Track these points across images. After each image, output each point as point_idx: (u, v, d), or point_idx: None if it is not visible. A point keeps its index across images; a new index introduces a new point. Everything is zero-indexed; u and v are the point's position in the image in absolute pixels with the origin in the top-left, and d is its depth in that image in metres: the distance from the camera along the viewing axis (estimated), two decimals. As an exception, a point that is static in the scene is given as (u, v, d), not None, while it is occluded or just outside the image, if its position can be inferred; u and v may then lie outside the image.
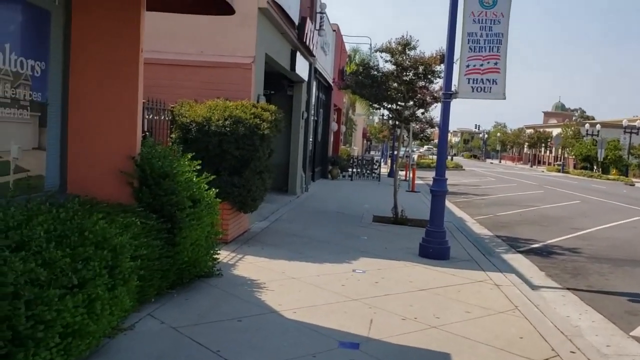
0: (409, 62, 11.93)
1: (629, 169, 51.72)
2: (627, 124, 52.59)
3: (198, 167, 6.46)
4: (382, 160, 43.92)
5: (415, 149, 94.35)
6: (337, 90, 27.31)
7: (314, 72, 18.64)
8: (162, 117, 8.56)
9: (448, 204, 20.02)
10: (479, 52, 8.66)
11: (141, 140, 6.00)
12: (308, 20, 14.08)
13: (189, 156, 6.50)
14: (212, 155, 8.53)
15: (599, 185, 36.70)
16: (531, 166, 76.55)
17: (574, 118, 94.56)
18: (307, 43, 14.75)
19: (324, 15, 18.15)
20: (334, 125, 27.75)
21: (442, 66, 11.94)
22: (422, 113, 13.21)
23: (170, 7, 6.14)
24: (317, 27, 17.93)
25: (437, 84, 12.40)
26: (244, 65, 10.02)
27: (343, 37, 29.62)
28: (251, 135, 8.40)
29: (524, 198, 23.30)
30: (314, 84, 20.98)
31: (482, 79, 8.67)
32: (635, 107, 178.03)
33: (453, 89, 8.82)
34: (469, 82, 8.71)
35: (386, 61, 12.17)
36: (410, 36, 11.81)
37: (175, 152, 6.39)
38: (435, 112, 35.57)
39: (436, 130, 32.18)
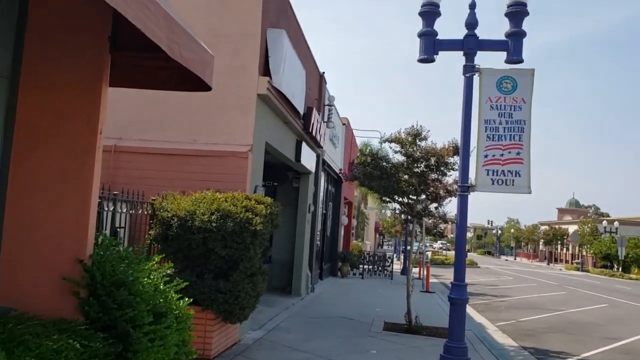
0: (419, 153, 11.08)
1: (652, 268, 49.58)
2: (647, 221, 51.01)
3: (169, 271, 5.37)
4: (395, 256, 42.50)
5: (428, 244, 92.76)
6: (347, 183, 26.61)
7: (321, 163, 17.91)
8: (141, 211, 7.59)
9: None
10: (499, 140, 7.74)
11: (99, 239, 4.97)
12: (314, 110, 13.46)
13: (158, 258, 5.44)
14: (196, 254, 7.48)
15: (623, 286, 34.74)
16: (548, 264, 74.23)
17: (589, 215, 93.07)
18: (314, 134, 14.06)
19: (333, 107, 17.66)
20: (344, 219, 26.74)
21: (456, 158, 11.12)
22: (436, 207, 12.18)
23: (139, 84, 5.32)
24: (325, 119, 17.39)
25: (451, 177, 11.50)
26: (239, 154, 9.17)
27: (353, 131, 29.33)
28: (241, 231, 7.36)
29: (546, 300, 21.66)
30: (322, 176, 20.21)
31: (502, 171, 7.68)
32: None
33: (470, 181, 7.82)
34: (488, 174, 7.72)
35: (396, 152, 11.34)
36: (421, 126, 11.06)
37: (139, 252, 5.32)
38: (449, 206, 34.37)
39: (449, 225, 31.04)
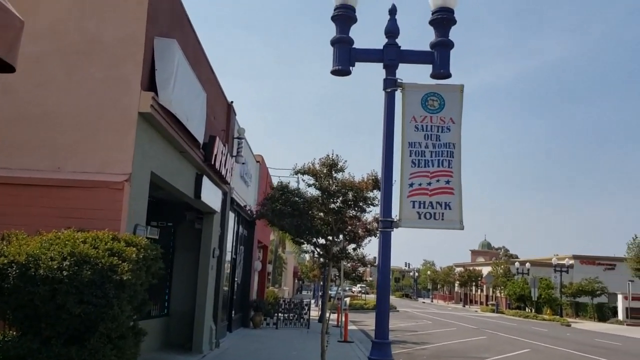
0: (335, 186, 9.78)
1: (562, 308, 50.74)
2: (557, 262, 52.51)
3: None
4: (313, 302, 40.84)
5: (347, 288, 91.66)
6: (262, 225, 24.93)
7: (230, 202, 16.26)
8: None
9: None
10: (425, 167, 6.53)
11: None
12: (218, 141, 11.92)
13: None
14: (42, 313, 5.64)
15: (539, 328, 34.79)
16: (464, 306, 74.97)
17: (499, 256, 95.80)
18: (218, 167, 12.47)
19: (243, 140, 16.18)
20: (257, 265, 24.95)
21: (377, 192, 9.92)
22: (354, 249, 10.84)
23: None
24: (234, 153, 15.86)
25: (371, 214, 10.26)
26: (112, 184, 7.44)
27: (271, 170, 27.88)
28: (102, 282, 5.62)
29: (468, 347, 20.72)
30: (232, 217, 18.50)
31: (430, 203, 6.44)
32: (550, 248, 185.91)
33: (394, 216, 6.52)
34: (413, 207, 6.45)
35: (309, 185, 9.98)
36: (337, 155, 9.80)
37: None
38: (369, 247, 33.25)
39: (368, 268, 29.89)
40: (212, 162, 11.83)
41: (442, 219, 6.42)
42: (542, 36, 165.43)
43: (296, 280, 74.36)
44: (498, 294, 66.85)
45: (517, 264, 62.13)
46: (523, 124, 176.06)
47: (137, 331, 6.75)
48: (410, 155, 6.56)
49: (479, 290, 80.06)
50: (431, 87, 6.72)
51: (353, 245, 10.90)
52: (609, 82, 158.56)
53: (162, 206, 11.88)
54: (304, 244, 11.08)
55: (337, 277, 26.34)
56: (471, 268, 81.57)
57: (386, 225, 6.45)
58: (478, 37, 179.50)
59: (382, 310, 6.50)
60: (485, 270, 73.17)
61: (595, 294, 50.55)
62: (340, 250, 10.58)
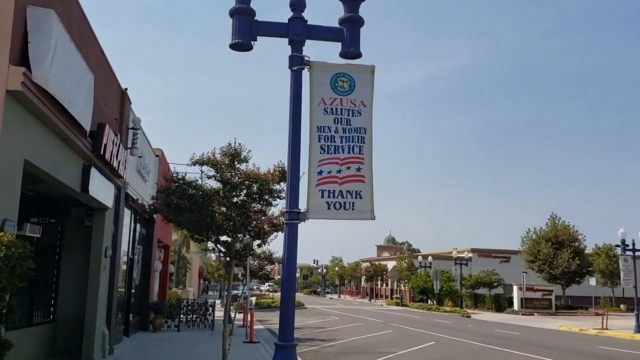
0: (239, 178, 9.06)
1: (462, 300, 52.75)
2: (457, 256, 54.52)
3: None
4: (219, 302, 39.63)
5: (255, 287, 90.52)
6: (163, 224, 23.59)
7: (125, 198, 15.06)
8: None
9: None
10: (335, 153, 6.01)
11: None
12: (107, 129, 10.82)
13: None
14: None
15: (442, 320, 35.76)
16: (370, 300, 76.33)
17: (403, 251, 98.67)
18: (109, 159, 11.37)
19: (139, 131, 15.02)
20: (157, 265, 23.61)
21: (284, 185, 9.32)
22: (259, 245, 10.17)
23: None
24: (129, 145, 14.68)
25: (278, 207, 9.65)
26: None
27: (171, 165, 26.47)
28: (-52, 288, 4.61)
29: (375, 342, 20.67)
30: (127, 214, 17.21)
31: (341, 192, 5.93)
32: (450, 242, 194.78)
33: (301, 207, 5.95)
34: (322, 196, 5.91)
35: (209, 177, 9.20)
36: (240, 144, 9.06)
37: None
38: (275, 243, 32.52)
39: (276, 266, 29.33)
40: (102, 153, 10.73)
41: (353, 209, 5.93)
42: (449, 39, 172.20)
43: (202, 281, 72.47)
44: (402, 288, 68.58)
45: (420, 257, 63.94)
46: (427, 123, 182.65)
47: (3, 343, 5.72)
48: (319, 141, 6.01)
49: (385, 285, 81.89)
50: (341, 67, 6.21)
51: (258, 242, 10.22)
52: (513, 85, 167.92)
53: (46, 201, 10.64)
54: (204, 241, 10.27)
55: (243, 277, 25.53)
56: (377, 263, 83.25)
57: (293, 217, 5.87)
58: (385, 38, 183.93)
59: (287, 311, 5.90)
60: (391, 264, 74.93)
61: (492, 286, 52.97)
62: (244, 248, 9.88)
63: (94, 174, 10.99)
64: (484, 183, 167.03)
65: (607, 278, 50.84)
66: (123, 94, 14.30)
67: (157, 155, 21.86)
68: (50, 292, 13.17)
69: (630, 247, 30.43)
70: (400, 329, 26.93)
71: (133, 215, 18.38)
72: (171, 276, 41.44)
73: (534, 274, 52.35)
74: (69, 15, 9.12)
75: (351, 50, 6.16)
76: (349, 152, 6.00)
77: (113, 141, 11.53)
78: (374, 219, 5.97)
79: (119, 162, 12.45)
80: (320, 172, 5.94)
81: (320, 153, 5.98)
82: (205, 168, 9.09)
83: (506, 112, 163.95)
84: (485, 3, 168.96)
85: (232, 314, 25.53)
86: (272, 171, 9.21)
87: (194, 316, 23.32)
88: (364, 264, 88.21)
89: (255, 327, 19.97)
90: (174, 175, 9.17)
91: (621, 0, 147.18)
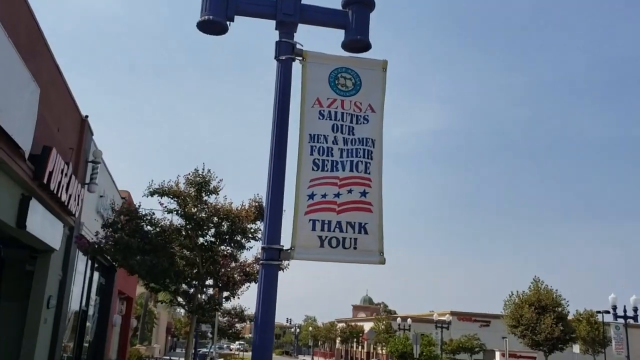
0: (205, 214, 7.42)
1: (443, 365, 50.36)
2: (438, 319, 52.43)
3: None
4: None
5: (225, 345, 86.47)
6: (124, 274, 21.55)
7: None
8: None
9: None
10: (333, 170, 4.45)
11: None
12: (54, 153, 9.15)
13: None
14: None
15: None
16: (345, 363, 73.07)
17: (380, 312, 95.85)
18: (56, 191, 9.65)
19: (99, 166, 13.33)
20: (116, 319, 21.35)
21: (260, 224, 7.70)
22: (227, 298, 8.39)
23: None
24: (88, 180, 12.97)
25: (252, 251, 7.97)
26: None
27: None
28: None
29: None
30: (83, 260, 15.27)
31: (339, 223, 4.34)
32: (427, 304, 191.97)
33: (284, 243, 4.33)
34: (314, 228, 4.31)
35: (169, 212, 7.53)
36: (209, 171, 7.46)
37: None
38: (247, 296, 30.41)
39: (248, 324, 27.15)
40: (45, 182, 9.03)
41: (355, 248, 4.32)
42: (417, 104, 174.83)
43: (170, 337, 68.83)
44: (380, 351, 65.81)
45: (399, 319, 61.56)
46: (403, 184, 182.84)
47: None
48: (312, 154, 4.46)
49: (361, 347, 78.83)
50: (343, 61, 4.73)
51: (227, 294, 8.45)
52: (481, 150, 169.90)
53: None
54: (160, 291, 8.48)
55: (211, 335, 23.39)
56: (353, 324, 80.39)
57: (271, 255, 4.23)
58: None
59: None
60: (367, 325, 72.20)
61: (474, 351, 50.80)
62: (208, 300, 8.12)
63: (35, 207, 9.25)
64: (461, 244, 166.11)
65: (589, 346, 49.08)
66: (83, 122, 12.71)
67: (123, 198, 20.04)
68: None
69: (622, 314, 28.93)
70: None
71: (90, 262, 16.42)
72: (135, 331, 38.74)
73: (516, 340, 50.36)
74: (15, 14, 7.65)
75: (357, 38, 4.71)
76: (351, 170, 4.45)
77: (62, 170, 9.85)
78: (384, 262, 4.36)
79: (70, 196, 10.71)
80: (311, 196, 4.37)
81: (313, 170, 4.43)
82: (165, 200, 7.45)
83: (477, 174, 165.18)
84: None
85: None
86: (247, 207, 7.61)
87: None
88: (340, 325, 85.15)
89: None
90: (124, 207, 7.47)
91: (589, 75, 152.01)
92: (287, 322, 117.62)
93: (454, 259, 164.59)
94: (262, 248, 4.29)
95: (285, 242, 4.33)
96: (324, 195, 4.37)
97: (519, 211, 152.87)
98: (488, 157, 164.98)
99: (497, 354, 46.26)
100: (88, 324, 17.40)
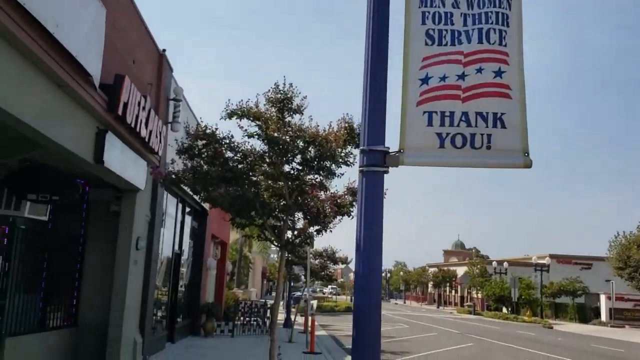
0: (290, 137, 6.47)
1: (543, 309, 48.30)
2: (537, 262, 50.06)
3: None
4: (282, 304, 37.44)
5: (318, 289, 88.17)
6: (218, 218, 21.49)
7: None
8: None
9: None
10: (454, 43, 3.28)
11: None
12: (128, 82, 8.47)
13: None
14: None
15: (523, 331, 32.00)
16: (438, 307, 72.39)
17: (475, 257, 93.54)
18: (135, 125, 9.07)
19: (181, 103, 12.76)
20: (211, 263, 21.44)
21: (352, 148, 6.67)
22: (318, 232, 7.47)
23: None
24: (170, 119, 12.46)
25: (343, 180, 7.01)
26: None
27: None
28: None
29: (457, 358, 17.63)
30: (173, 202, 15.08)
31: (465, 115, 3.20)
32: (520, 248, 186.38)
33: (388, 144, 3.25)
34: (430, 122, 3.20)
35: (250, 136, 6.64)
36: (291, 86, 6.45)
37: None
38: (338, 235, 29.99)
39: (340, 267, 26.63)
40: (121, 114, 8.41)
41: (488, 147, 3.17)
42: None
43: (265, 282, 70.82)
44: (475, 295, 64.39)
45: (494, 263, 59.66)
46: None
47: None
48: (424, 22, 3.31)
49: (453, 291, 77.72)
50: None
51: (316, 228, 7.54)
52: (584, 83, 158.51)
53: (53, 178, 8.45)
54: (246, 226, 7.72)
55: (305, 277, 23.09)
56: (445, 268, 79.14)
57: (374, 160, 3.18)
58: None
59: (365, 328, 3.18)
60: (460, 270, 70.75)
61: (576, 294, 48.27)
62: (298, 234, 7.28)
63: (113, 141, 8.70)
64: (555, 186, 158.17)
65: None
66: (161, 57, 12.09)
67: (199, 121, 19.69)
68: (71, 291, 11.04)
69: None
70: (481, 342, 23.64)
71: (180, 205, 16.25)
72: (232, 276, 39.70)
73: (623, 282, 47.24)
74: None
75: None
76: (479, 42, 3.26)
77: (139, 103, 9.22)
78: (530, 165, 3.19)
79: (150, 132, 10.14)
80: (425, 80, 3.24)
81: (427, 44, 3.28)
82: (245, 123, 6.57)
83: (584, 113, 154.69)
84: None
85: (293, 317, 23.36)
86: (336, 128, 6.59)
87: (252, 319, 21.01)
88: (431, 270, 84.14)
89: (317, 332, 17.40)
90: (201, 130, 6.64)
91: None
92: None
93: (550, 199, 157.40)
94: (361, 151, 3.24)
95: (391, 144, 3.26)
96: (442, 78, 3.23)
97: (628, 146, 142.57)
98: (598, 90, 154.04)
99: (602, 297, 43.63)
100: (182, 268, 17.44)
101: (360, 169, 3.19)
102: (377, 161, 3.17)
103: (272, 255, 60.45)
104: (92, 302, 11.20)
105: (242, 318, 20.71)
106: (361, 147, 3.23)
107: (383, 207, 3.16)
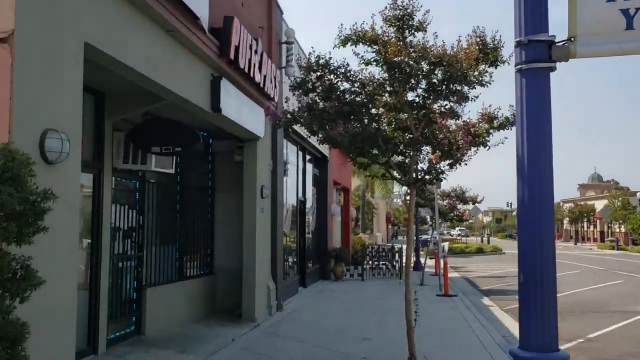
0: (414, 56, 5.75)
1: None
2: (691, 190, 45.09)
3: None
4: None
5: (445, 232, 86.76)
6: (338, 164, 21.30)
7: (284, 129, 12.57)
8: None
9: (502, 312, 13.28)
10: None
11: None
12: (237, 23, 8.13)
13: None
14: None
15: (680, 265, 29.10)
16: (575, 243, 68.52)
17: (614, 189, 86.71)
18: (248, 70, 8.78)
19: (293, 45, 12.34)
20: (335, 209, 21.41)
21: (485, 66, 5.82)
22: (452, 165, 6.72)
23: None
24: (283, 63, 12.12)
25: (474, 105, 6.19)
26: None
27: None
28: None
29: (607, 296, 16.25)
30: (293, 151, 14.96)
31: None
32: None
33: (553, 34, 2.50)
34: (612, -3, 2.38)
35: (366, 63, 6.01)
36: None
37: None
38: (470, 170, 28.80)
39: (469, 207, 25.46)
40: (233, 57, 8.12)
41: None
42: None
43: (390, 226, 70.80)
44: (617, 229, 59.91)
45: (638, 194, 54.82)
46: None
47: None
48: None
49: (592, 227, 73.01)
50: None
51: (448, 162, 6.81)
52: None
53: (175, 130, 8.45)
54: (368, 165, 7.18)
55: (433, 219, 22.36)
56: (582, 203, 74.30)
57: (536, 53, 2.46)
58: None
59: (537, 289, 2.54)
60: (598, 204, 65.98)
61: None
62: (427, 169, 6.64)
63: (228, 88, 8.48)
64: None
65: None
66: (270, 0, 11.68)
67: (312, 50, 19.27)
68: (204, 241, 11.31)
69: None
70: (632, 278, 21.73)
71: (301, 153, 16.13)
72: (357, 222, 39.90)
73: None
74: None
75: None
76: None
77: (251, 46, 8.89)
78: None
79: (265, 77, 9.84)
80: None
81: None
82: (361, 49, 5.94)
83: None
84: None
85: (422, 261, 22.85)
86: (466, 44, 5.77)
87: (380, 263, 20.85)
88: (566, 205, 79.37)
89: (449, 274, 16.81)
90: (313, 61, 6.08)
91: None
92: (508, 206, 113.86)
93: None
94: (517, 44, 2.52)
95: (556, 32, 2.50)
96: None
97: None
98: None
99: None
100: (307, 215, 17.49)
101: (518, 66, 2.49)
102: (541, 55, 2.45)
103: (394, 200, 59.97)
104: (224, 250, 11.44)
105: (370, 262, 20.61)
106: (517, 39, 2.51)
107: (551, 112, 2.45)
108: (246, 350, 8.31)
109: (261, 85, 9.71)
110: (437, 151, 6.61)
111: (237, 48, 8.18)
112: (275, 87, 10.74)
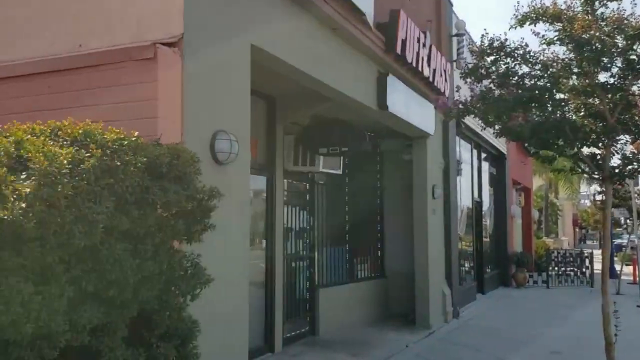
0: (607, 30, 4.96)
1: None
2: None
3: None
4: (600, 253, 33.59)
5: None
6: (517, 162, 19.93)
7: (456, 125, 11.97)
8: None
9: None
10: None
11: None
12: (403, 16, 7.80)
13: None
14: None
15: None
16: None
17: None
18: (416, 64, 8.43)
19: (464, 37, 11.72)
20: (515, 210, 20.02)
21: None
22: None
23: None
24: (454, 57, 11.57)
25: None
26: (141, 51, 4.08)
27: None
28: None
29: None
30: (467, 148, 14.25)
31: None
32: None
33: None
34: None
35: (548, 43, 5.33)
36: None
37: None
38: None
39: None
40: (399, 52, 7.83)
41: None
42: None
43: (577, 230, 65.09)
44: None
45: None
46: None
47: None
48: None
49: None
50: None
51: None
52: None
53: (342, 130, 8.43)
54: (554, 159, 6.39)
55: (630, 220, 19.92)
56: None
57: None
58: None
59: None
60: None
61: None
62: (627, 160, 5.71)
63: (395, 84, 8.21)
64: None
65: None
66: (437, -10, 11.21)
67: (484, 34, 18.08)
68: (375, 243, 11.17)
69: None
70: None
71: (475, 151, 15.31)
72: (539, 225, 37.25)
73: None
74: None
75: None
76: None
77: (418, 39, 8.52)
78: None
79: (434, 71, 9.40)
80: None
81: None
82: (541, 28, 5.28)
83: None
84: None
85: (617, 267, 20.39)
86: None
87: (568, 269, 19.02)
88: None
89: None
90: (486, 44, 5.52)
91: None
92: None
93: None
94: None
95: None
96: None
97: None
98: None
99: None
100: (484, 217, 16.54)
101: None
102: None
103: (582, 201, 55.02)
104: (395, 253, 11.19)
105: (556, 268, 18.90)
106: None
107: None
108: (421, 357, 7.95)
109: (430, 79, 9.28)
110: (636, 138, 5.67)
111: (404, 42, 7.87)
112: (446, 80, 10.22)
